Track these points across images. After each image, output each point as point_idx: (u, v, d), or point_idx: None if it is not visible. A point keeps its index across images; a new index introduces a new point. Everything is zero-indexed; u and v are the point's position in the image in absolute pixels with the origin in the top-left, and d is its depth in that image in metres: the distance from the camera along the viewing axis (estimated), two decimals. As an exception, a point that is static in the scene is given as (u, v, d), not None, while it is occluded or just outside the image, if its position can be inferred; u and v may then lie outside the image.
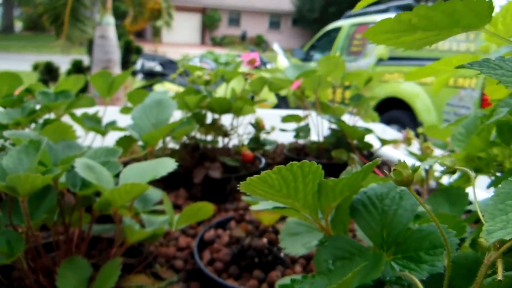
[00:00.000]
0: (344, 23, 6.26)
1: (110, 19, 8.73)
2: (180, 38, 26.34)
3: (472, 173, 0.38)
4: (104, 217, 0.86)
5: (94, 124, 1.11)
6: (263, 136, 1.31)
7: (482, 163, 0.66)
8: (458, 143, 0.64)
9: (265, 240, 0.82)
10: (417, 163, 0.37)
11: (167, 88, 6.22)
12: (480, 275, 0.30)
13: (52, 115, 1.09)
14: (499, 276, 0.28)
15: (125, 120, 1.17)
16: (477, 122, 0.63)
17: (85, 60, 10.14)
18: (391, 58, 4.89)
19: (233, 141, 1.28)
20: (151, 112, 0.79)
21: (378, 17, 5.10)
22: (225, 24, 28.42)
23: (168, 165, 0.64)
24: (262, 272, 0.78)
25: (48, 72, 10.15)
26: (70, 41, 9.81)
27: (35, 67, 10.46)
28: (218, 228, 0.93)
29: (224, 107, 1.13)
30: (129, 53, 11.00)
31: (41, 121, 1.04)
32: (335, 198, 0.43)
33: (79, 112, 1.14)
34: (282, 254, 0.81)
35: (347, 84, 1.51)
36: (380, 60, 5.00)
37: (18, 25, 27.94)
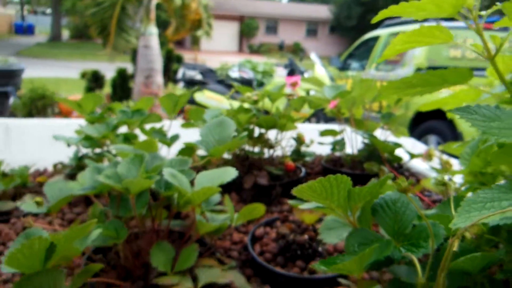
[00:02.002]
0: (382, 32, 6.32)
1: (153, 30, 9.15)
2: (218, 46, 26.89)
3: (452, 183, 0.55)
4: (174, 215, 1.06)
5: (161, 136, 1.32)
6: (303, 148, 1.49)
7: (486, 178, 0.81)
8: (464, 161, 0.80)
9: (306, 236, 1.00)
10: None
11: (207, 96, 6.49)
12: (446, 251, 0.47)
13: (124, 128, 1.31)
14: (454, 247, 0.45)
15: (185, 133, 1.38)
16: (479, 145, 0.79)
17: (129, 68, 10.58)
18: (430, 68, 4.94)
19: (277, 153, 1.47)
20: (215, 131, 0.99)
21: (417, 27, 5.17)
22: (263, 32, 28.81)
23: (231, 173, 0.84)
24: (303, 262, 0.96)
25: (95, 80, 10.62)
26: (115, 50, 10.33)
27: (83, 75, 10.99)
28: (266, 226, 1.12)
29: (270, 123, 1.33)
30: (170, 62, 11.39)
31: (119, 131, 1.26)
32: (360, 201, 0.61)
33: (147, 126, 1.37)
34: (320, 248, 0.99)
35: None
36: (418, 70, 5.07)
37: (65, 34, 29.29)
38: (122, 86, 10.09)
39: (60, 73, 14.17)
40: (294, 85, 1.41)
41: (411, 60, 5.25)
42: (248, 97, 1.37)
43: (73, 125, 1.33)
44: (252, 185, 1.27)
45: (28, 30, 31.18)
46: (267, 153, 1.43)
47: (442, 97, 0.80)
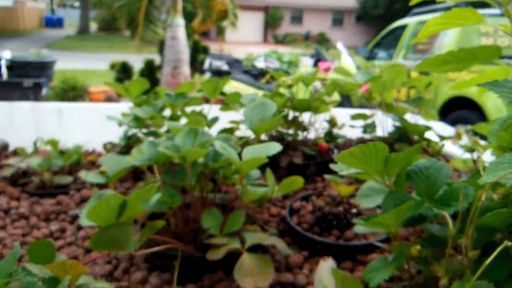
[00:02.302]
0: (410, 21, 6.26)
1: (180, 21, 9.26)
2: (243, 36, 26.92)
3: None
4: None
5: (202, 118, 1.41)
6: (335, 131, 1.56)
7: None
8: (492, 136, 0.86)
9: (341, 208, 1.08)
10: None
11: (233, 86, 6.58)
12: (475, 204, 0.54)
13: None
14: (482, 198, 0.51)
15: (223, 116, 1.47)
16: (508, 120, 0.84)
17: (156, 59, 10.74)
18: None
19: (310, 135, 1.54)
20: (257, 111, 1.07)
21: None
22: (288, 22, 28.67)
23: (276, 147, 0.91)
24: (339, 231, 1.03)
25: (124, 71, 10.80)
26: (143, 41, 10.51)
27: (112, 66, 11.21)
28: (302, 200, 1.20)
29: (304, 106, 1.40)
30: (196, 53, 11.50)
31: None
32: (396, 166, 0.68)
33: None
34: (354, 220, 1.06)
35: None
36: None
37: (93, 26, 29.84)
38: (149, 77, 10.24)
39: (89, 65, 14.45)
40: (327, 70, 1.48)
41: (440, 49, 5.20)
42: (284, 81, 1.44)
43: (121, 108, 1.43)
44: (287, 164, 1.35)
45: (57, 23, 31.91)
46: (301, 135, 1.51)
47: (474, 77, 0.86)
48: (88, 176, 0.97)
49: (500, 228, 0.61)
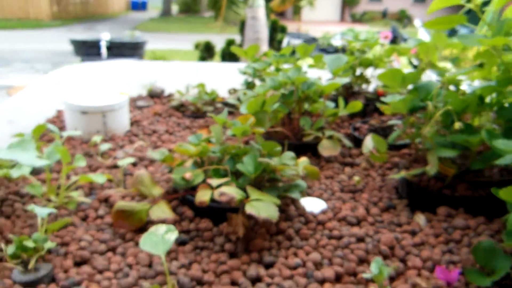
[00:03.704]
0: (490, -2, 6.35)
1: (260, 1, 9.87)
2: (320, 15, 26.97)
3: None
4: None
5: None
6: (390, 82, 2.14)
7: None
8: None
9: (385, 125, 1.68)
10: None
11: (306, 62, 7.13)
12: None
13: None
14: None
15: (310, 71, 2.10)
16: None
17: (237, 38, 11.47)
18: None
19: (372, 86, 2.13)
20: (335, 61, 1.70)
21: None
22: (366, 0, 28.21)
23: (346, 80, 1.54)
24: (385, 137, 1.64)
25: (207, 50, 11.65)
26: (226, 22, 11.29)
27: (197, 46, 12.14)
28: (362, 123, 1.82)
29: (368, 62, 1.99)
30: (275, 32, 12.09)
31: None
32: (408, 82, 1.28)
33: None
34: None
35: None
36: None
37: (174, 8, 31.41)
38: (230, 56, 11.06)
39: (173, 45, 15.44)
40: (386, 37, 2.06)
41: None
42: (353, 46, 2.05)
43: (237, 67, 2.11)
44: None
45: (142, 6, 34.05)
46: (365, 86, 2.11)
47: None
48: (229, 99, 1.66)
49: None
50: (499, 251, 0.91)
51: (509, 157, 0.92)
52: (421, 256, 1.02)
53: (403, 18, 24.92)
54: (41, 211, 0.95)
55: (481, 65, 1.24)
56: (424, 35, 7.39)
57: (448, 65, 2.19)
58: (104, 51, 8.31)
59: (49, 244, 0.98)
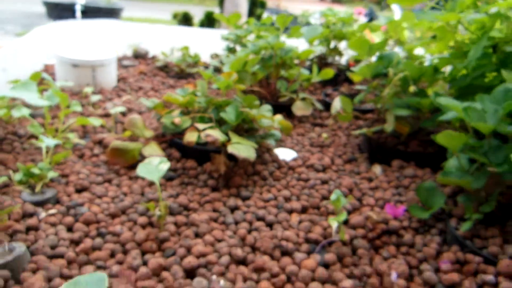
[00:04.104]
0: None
1: (241, -25, 9.83)
2: (300, -6, 26.86)
3: None
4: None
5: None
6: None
7: None
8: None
9: (354, 91, 1.85)
10: None
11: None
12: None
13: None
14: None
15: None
16: None
17: (216, 11, 11.43)
18: None
19: (344, 58, 2.30)
20: (311, 31, 1.85)
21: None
22: (346, -19, 28.25)
23: (318, 48, 1.69)
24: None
25: (185, 21, 11.52)
26: (205, -7, 11.13)
27: (175, 16, 12.00)
28: (333, 91, 1.98)
29: (341, 36, 2.15)
30: (254, 6, 12.06)
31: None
32: (374, 51, 1.45)
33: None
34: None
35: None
36: None
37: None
38: (209, 27, 10.98)
39: (150, 13, 15.17)
40: (360, 13, 2.22)
41: None
42: (329, 20, 2.20)
43: (219, 33, 2.23)
44: (326, 72, 2.13)
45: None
46: (338, 58, 2.27)
47: None
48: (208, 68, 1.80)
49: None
50: (437, 191, 1.10)
51: (450, 113, 1.10)
52: (375, 196, 1.20)
53: (382, 0, 25.13)
54: (49, 141, 1.08)
55: (434, 37, 1.41)
56: (398, 16, 7.59)
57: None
58: (78, 15, 8.17)
59: (52, 174, 1.11)
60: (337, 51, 2.26)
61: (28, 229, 0.95)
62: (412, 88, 1.27)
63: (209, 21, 11.07)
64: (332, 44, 2.24)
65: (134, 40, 2.43)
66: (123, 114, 1.60)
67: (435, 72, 1.38)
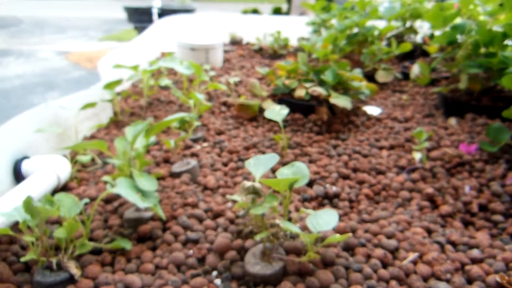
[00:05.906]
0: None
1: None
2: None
3: None
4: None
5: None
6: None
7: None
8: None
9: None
10: None
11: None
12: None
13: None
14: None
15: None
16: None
17: (283, 7, 11.74)
18: None
19: (419, 36, 2.52)
20: (389, 10, 2.11)
21: None
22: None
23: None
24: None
25: (254, 17, 11.81)
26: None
27: (244, 12, 12.46)
28: (410, 64, 2.23)
29: (417, 14, 2.39)
30: (321, 0, 12.18)
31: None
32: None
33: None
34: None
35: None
36: None
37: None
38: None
39: (223, 13, 15.78)
40: None
41: None
42: (405, 0, 2.44)
43: (302, 20, 2.55)
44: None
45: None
46: (414, 36, 2.51)
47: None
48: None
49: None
50: (504, 129, 1.34)
51: (515, 66, 1.34)
52: (450, 139, 1.47)
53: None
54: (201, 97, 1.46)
55: (501, 5, 1.63)
56: None
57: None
58: (155, 17, 8.85)
59: (197, 123, 1.50)
60: (412, 30, 2.50)
61: (192, 154, 1.34)
62: (482, 49, 1.51)
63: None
64: (408, 24, 2.48)
65: (231, 29, 2.83)
66: (236, 84, 1.98)
67: (504, 37, 1.60)
